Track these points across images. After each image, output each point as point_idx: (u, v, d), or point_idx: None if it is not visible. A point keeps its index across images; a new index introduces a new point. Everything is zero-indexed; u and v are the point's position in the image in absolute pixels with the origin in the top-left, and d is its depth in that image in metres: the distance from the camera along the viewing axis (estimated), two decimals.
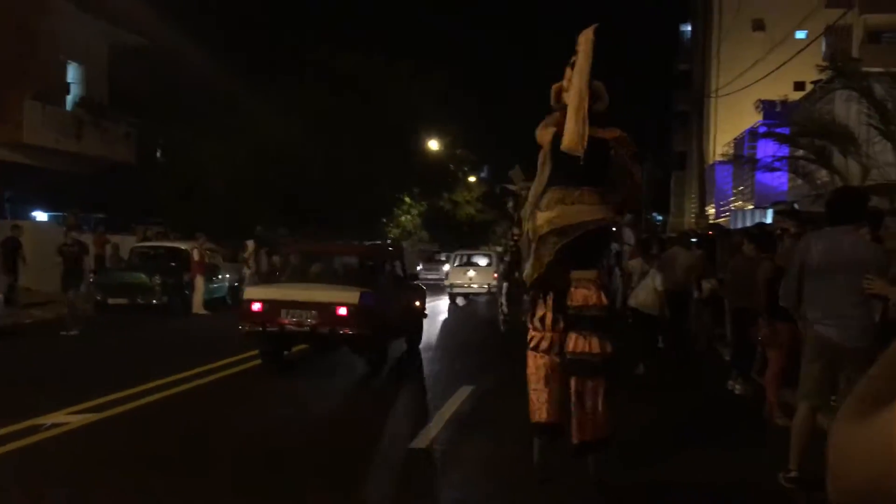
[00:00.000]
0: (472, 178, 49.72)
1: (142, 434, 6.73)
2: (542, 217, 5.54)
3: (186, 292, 17.76)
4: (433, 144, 40.60)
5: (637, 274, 10.78)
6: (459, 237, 45.85)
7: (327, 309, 9.71)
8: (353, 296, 9.77)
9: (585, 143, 5.35)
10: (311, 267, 12.05)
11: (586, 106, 5.42)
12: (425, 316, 13.30)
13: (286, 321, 9.82)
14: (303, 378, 9.97)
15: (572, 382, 5.44)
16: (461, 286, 23.30)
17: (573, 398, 5.44)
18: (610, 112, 5.83)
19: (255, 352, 10.57)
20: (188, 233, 20.88)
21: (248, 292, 10.82)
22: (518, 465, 5.89)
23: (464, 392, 8.76)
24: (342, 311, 9.68)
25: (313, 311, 9.76)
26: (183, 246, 18.83)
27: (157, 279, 17.05)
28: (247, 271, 20.96)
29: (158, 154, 29.50)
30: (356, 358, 10.58)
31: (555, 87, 5.79)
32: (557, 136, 5.56)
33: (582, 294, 5.44)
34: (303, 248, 14.08)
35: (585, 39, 5.53)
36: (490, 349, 13.08)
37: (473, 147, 47.29)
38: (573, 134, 5.38)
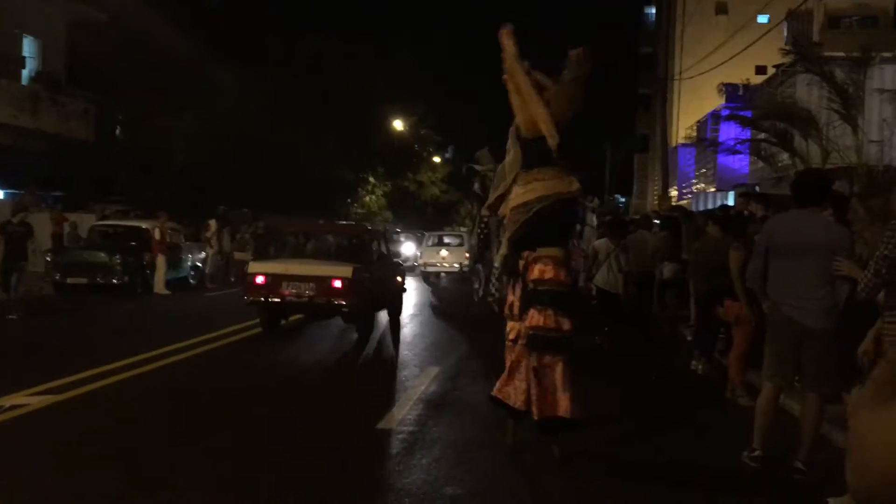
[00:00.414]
0: (436, 159, 49.61)
1: (103, 415, 6.60)
2: (513, 196, 5.61)
3: (147, 272, 17.47)
4: (398, 124, 40.37)
5: (602, 254, 10.96)
6: (424, 218, 45.79)
7: (324, 282, 10.83)
8: (347, 270, 10.94)
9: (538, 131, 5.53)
10: (307, 244, 13.52)
11: (531, 97, 5.57)
12: (405, 290, 14.46)
13: (287, 292, 10.98)
14: (266, 360, 9.86)
15: (530, 358, 5.47)
16: (434, 265, 24.02)
17: (531, 374, 5.47)
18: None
19: (218, 332, 10.69)
20: (149, 211, 20.52)
21: (252, 266, 11.75)
22: (484, 447, 5.90)
23: (430, 373, 8.75)
24: (337, 283, 10.82)
25: (311, 284, 10.91)
26: (144, 224, 18.50)
27: (118, 258, 16.73)
28: (209, 251, 20.68)
29: (118, 131, 28.90)
30: (321, 339, 10.63)
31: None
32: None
33: (539, 269, 5.48)
34: (300, 227, 15.86)
35: (505, 42, 5.65)
36: (456, 330, 13.09)
37: (438, 128, 47.16)
38: (549, 130, 5.49)
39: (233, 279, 20.30)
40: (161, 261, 17.48)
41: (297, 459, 5.51)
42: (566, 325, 5.47)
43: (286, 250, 13.09)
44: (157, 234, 17.61)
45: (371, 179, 39.37)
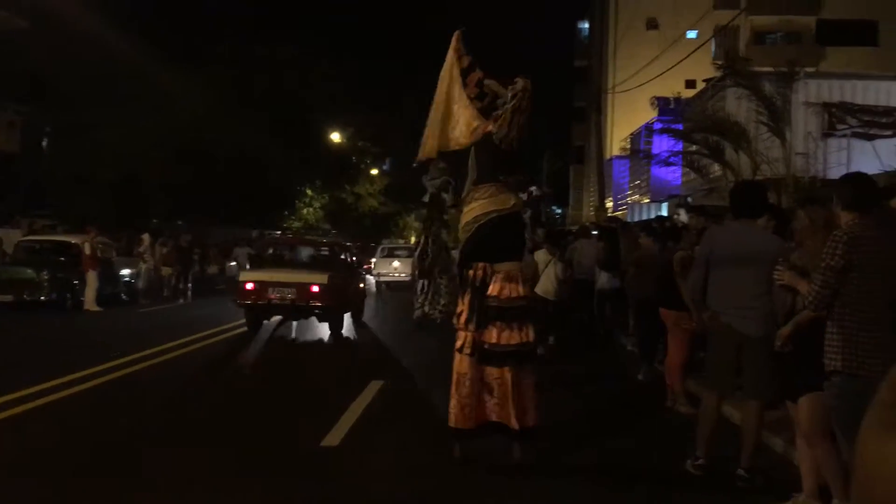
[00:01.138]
0: (374, 171, 49.45)
1: (29, 437, 6.33)
2: (463, 213, 5.73)
3: (77, 288, 16.91)
4: (335, 137, 40.14)
5: (542, 264, 11.17)
6: (362, 230, 45.56)
7: (304, 287, 12.56)
8: (323, 277, 12.76)
9: (431, 152, 5.98)
10: (288, 256, 16.02)
11: (451, 111, 5.88)
12: (366, 295, 16.55)
13: (273, 296, 12.63)
14: (206, 378, 9.62)
15: (499, 372, 5.53)
16: (387, 274, 26.75)
17: (497, 388, 5.53)
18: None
19: (152, 350, 10.54)
20: (78, 225, 19.89)
21: (243, 275, 13.68)
22: (432, 461, 5.85)
23: (374, 387, 8.65)
24: (315, 288, 12.59)
25: (293, 289, 12.60)
26: (73, 240, 17.91)
27: (45, 274, 16.16)
28: (142, 265, 20.14)
29: (45, 143, 28.00)
30: (262, 355, 10.50)
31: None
32: (485, 136, 5.71)
33: (499, 286, 5.58)
34: (282, 240, 19.33)
35: (452, 47, 5.84)
36: (401, 341, 13.02)
37: (376, 139, 47.03)
38: (427, 143, 6.00)
39: (165, 294, 19.81)
40: (92, 276, 16.93)
41: (239, 483, 5.36)
42: (531, 336, 5.64)
43: (270, 261, 15.01)
44: (87, 249, 17.06)
45: (308, 192, 39.03)
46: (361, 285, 15.82)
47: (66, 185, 25.05)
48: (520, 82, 5.66)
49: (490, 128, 5.77)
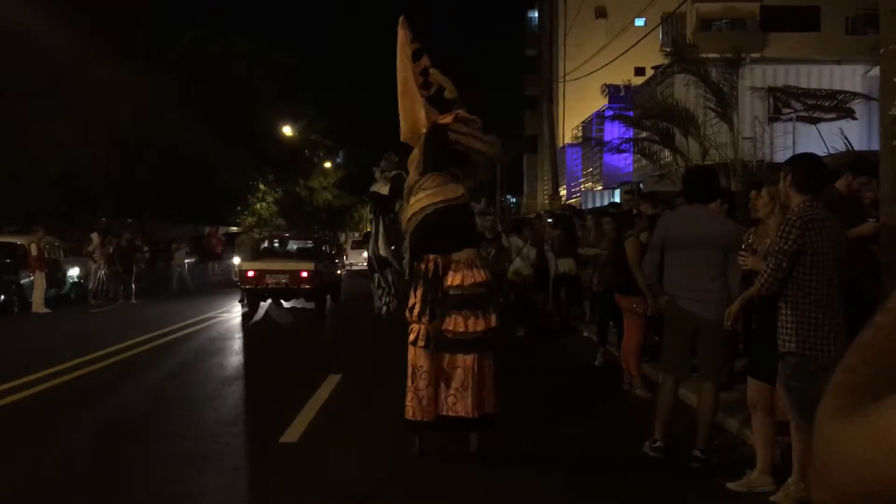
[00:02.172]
0: (327, 164, 49.10)
1: None
2: (410, 204, 5.70)
3: (24, 290, 16.47)
4: (287, 130, 39.71)
5: (515, 251, 11.72)
6: (318, 223, 45.21)
7: (296, 273, 15.14)
8: (311, 265, 15.34)
9: (418, 133, 5.83)
10: (279, 247, 18.80)
11: (416, 94, 5.83)
12: (342, 280, 18.99)
13: (269, 282, 15.25)
14: (162, 375, 9.44)
15: (462, 360, 5.50)
16: (357, 264, 27.09)
17: (457, 376, 5.51)
18: (462, 98, 6.05)
19: (105, 350, 10.36)
20: (23, 225, 19.36)
21: (244, 265, 16.13)
22: (391, 454, 5.84)
23: (332, 381, 8.59)
24: (304, 274, 15.16)
25: (286, 275, 15.18)
26: (18, 240, 17.42)
27: None
28: (93, 265, 19.66)
29: None
30: (217, 351, 10.37)
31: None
32: (437, 128, 5.73)
33: (465, 275, 5.57)
34: (275, 235, 21.85)
35: (399, 33, 5.86)
36: (356, 335, 12.95)
37: (328, 132, 46.72)
38: (403, 125, 5.93)
39: (110, 295, 19.33)
40: (39, 278, 16.51)
41: (199, 481, 5.28)
42: (495, 321, 5.63)
43: (265, 252, 17.83)
44: (33, 250, 16.62)
45: (261, 186, 38.58)
46: (339, 272, 18.53)
47: (8, 182, 24.32)
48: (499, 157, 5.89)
49: (443, 119, 5.76)
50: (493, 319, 5.61)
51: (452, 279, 5.56)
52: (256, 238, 20.78)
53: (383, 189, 6.40)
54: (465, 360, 5.51)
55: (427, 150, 5.75)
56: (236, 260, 22.03)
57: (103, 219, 23.67)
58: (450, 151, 5.75)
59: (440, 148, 5.73)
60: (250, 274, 15.29)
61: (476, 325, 5.52)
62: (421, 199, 5.68)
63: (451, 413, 5.52)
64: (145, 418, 7.16)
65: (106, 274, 19.45)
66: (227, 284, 22.30)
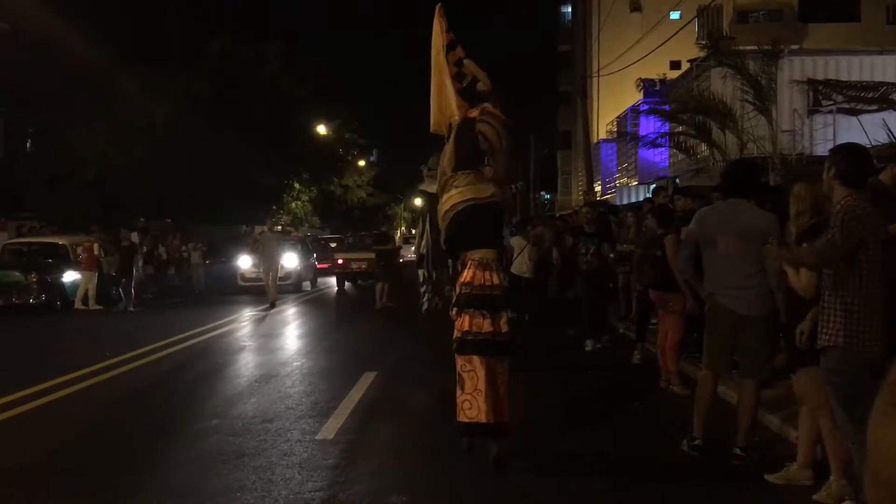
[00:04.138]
0: (361, 162, 49.31)
1: (36, 435, 6.27)
2: (442, 202, 5.65)
3: (65, 289, 16.81)
4: (321, 129, 39.92)
5: (518, 248, 12.34)
6: (351, 222, 45.44)
7: (371, 260, 18.54)
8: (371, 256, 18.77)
9: (449, 123, 5.74)
10: (358, 241, 24.97)
11: (448, 85, 5.73)
12: (403, 267, 19.82)
13: (354, 267, 22.04)
14: (202, 372, 9.55)
15: (470, 362, 5.35)
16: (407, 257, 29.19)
17: (468, 380, 5.34)
18: (496, 91, 5.94)
19: (142, 350, 10.41)
20: (64, 226, 19.73)
21: (336, 255, 23.85)
22: (426, 453, 5.83)
23: (367, 379, 8.62)
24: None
25: (364, 262, 20.88)
26: (60, 241, 17.78)
27: (34, 276, 16.05)
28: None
29: (28, 145, 27.72)
30: (255, 350, 10.53)
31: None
32: (467, 122, 5.66)
33: (469, 273, 5.44)
34: (355, 235, 28.06)
35: (435, 23, 5.79)
36: (392, 332, 12.99)
37: (362, 131, 46.92)
38: (433, 116, 5.88)
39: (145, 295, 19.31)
40: (89, 276, 16.99)
41: (235, 475, 5.32)
42: (504, 326, 5.42)
43: (349, 247, 24.92)
44: (95, 249, 17.12)
45: (296, 185, 38.85)
46: (400, 261, 19.81)
47: (49, 185, 24.82)
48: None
49: (473, 114, 5.69)
50: (502, 324, 5.40)
51: (466, 276, 5.44)
52: (278, 237, 20.52)
53: (431, 187, 6.31)
54: (474, 363, 5.33)
55: (458, 145, 5.67)
56: (244, 262, 21.40)
57: (141, 219, 24.00)
58: (478, 147, 5.64)
59: (469, 143, 5.63)
60: (340, 261, 21.54)
61: (481, 326, 5.33)
62: (453, 196, 5.60)
63: (464, 419, 5.34)
64: (183, 414, 7.23)
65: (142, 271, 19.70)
66: (238, 290, 21.36)
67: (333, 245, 32.61)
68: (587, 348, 10.26)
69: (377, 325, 14.44)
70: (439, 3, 5.90)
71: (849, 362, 3.99)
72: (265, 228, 19.33)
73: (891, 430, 0.75)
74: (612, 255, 10.79)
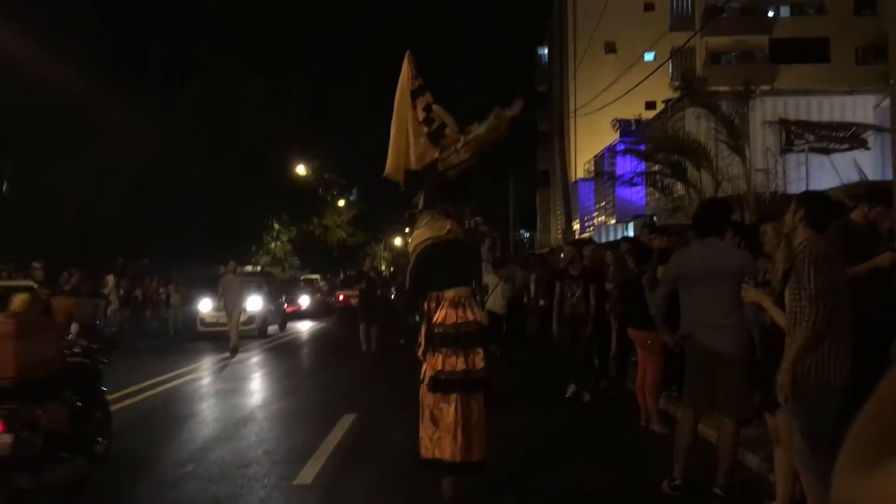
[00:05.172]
0: (341, 202, 49.38)
1: None
2: (410, 245, 5.76)
3: None
4: (300, 169, 40.00)
5: (492, 285, 13.46)
6: (331, 262, 45.33)
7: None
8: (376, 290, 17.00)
9: (393, 172, 5.91)
10: (354, 277, 22.67)
11: (411, 131, 5.79)
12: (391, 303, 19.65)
13: (351, 302, 20.57)
14: (176, 415, 9.40)
15: (445, 401, 5.33)
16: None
17: (441, 418, 5.33)
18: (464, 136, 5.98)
19: (123, 392, 10.19)
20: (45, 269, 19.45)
21: (337, 293, 25.38)
22: (406, 498, 5.76)
23: (346, 421, 8.53)
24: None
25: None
26: (35, 284, 17.56)
27: None
28: (108, 308, 19.75)
29: (5, 187, 27.51)
30: (230, 391, 10.32)
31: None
32: (432, 164, 5.72)
33: (453, 313, 5.44)
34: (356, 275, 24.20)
35: (403, 68, 5.87)
36: (370, 373, 12.89)
37: (341, 170, 47.08)
38: (389, 161, 5.92)
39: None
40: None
41: None
42: (479, 363, 5.41)
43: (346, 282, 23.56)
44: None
45: (276, 225, 38.78)
46: (391, 296, 19.53)
47: (26, 227, 24.59)
48: (512, 110, 5.72)
49: (437, 155, 5.75)
50: (478, 361, 5.38)
51: (438, 317, 5.45)
52: (242, 279, 18.81)
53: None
54: (446, 401, 5.32)
55: (426, 187, 5.77)
56: (204, 306, 20.40)
57: (119, 259, 23.78)
58: (444, 186, 5.69)
59: (434, 185, 5.71)
60: (341, 297, 21.62)
61: (455, 364, 5.33)
62: (415, 237, 5.72)
63: (431, 456, 5.33)
64: (157, 460, 7.11)
65: (111, 314, 19.43)
66: (198, 336, 20.47)
67: (313, 282, 32.53)
68: (567, 394, 9.67)
69: (356, 365, 14.31)
70: (409, 51, 6.01)
71: (817, 394, 4.04)
72: (228, 270, 17.15)
73: (853, 486, 0.76)
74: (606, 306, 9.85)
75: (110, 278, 20.34)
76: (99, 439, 6.33)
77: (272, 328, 22.03)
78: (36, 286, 10.08)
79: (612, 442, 7.62)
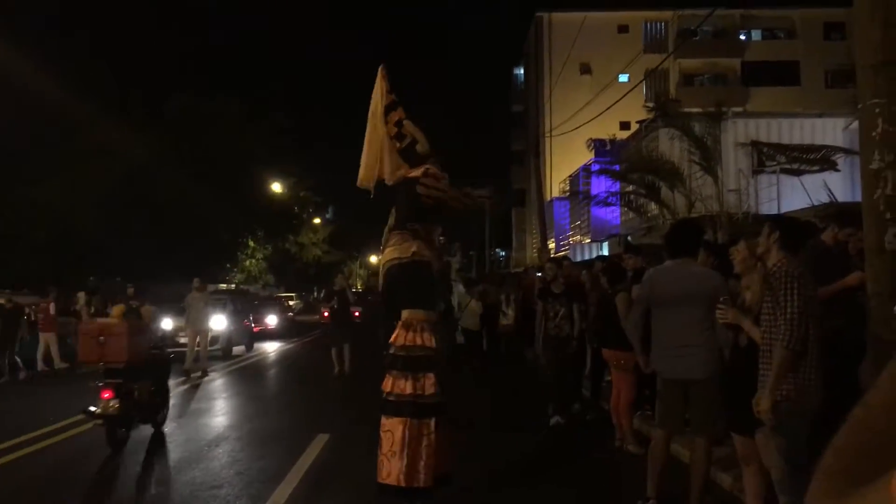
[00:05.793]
0: (317, 220, 49.27)
1: None
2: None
3: (15, 352, 16.37)
4: (276, 187, 39.89)
5: (465, 304, 14.46)
6: (307, 279, 45.13)
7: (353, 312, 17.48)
8: (359, 308, 18.29)
9: (364, 182, 5.89)
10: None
11: (384, 145, 5.81)
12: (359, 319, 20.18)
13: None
14: (135, 439, 9.22)
15: (391, 424, 5.29)
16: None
17: (386, 441, 5.29)
18: (435, 153, 5.97)
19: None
20: (10, 287, 19.23)
21: (322, 310, 20.32)
22: None
23: (320, 441, 8.45)
24: (356, 313, 17.98)
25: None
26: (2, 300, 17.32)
27: None
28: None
29: None
30: (202, 412, 10.22)
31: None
32: (407, 182, 5.71)
33: (404, 335, 5.41)
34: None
35: (377, 83, 5.88)
36: (345, 394, 12.80)
37: (317, 188, 47.02)
38: (361, 170, 5.92)
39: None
40: (51, 338, 16.70)
41: None
42: (429, 388, 5.33)
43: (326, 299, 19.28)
44: (51, 310, 16.69)
45: (251, 243, 38.58)
46: (357, 312, 18.93)
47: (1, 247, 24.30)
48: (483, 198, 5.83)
49: (413, 174, 5.73)
50: (428, 386, 5.30)
51: (394, 337, 5.44)
52: (207, 297, 17.61)
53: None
54: (392, 424, 5.27)
55: (398, 205, 5.74)
56: (167, 326, 18.46)
57: (91, 278, 23.51)
58: (418, 207, 5.64)
59: (409, 203, 5.67)
60: (326, 314, 18.10)
61: (404, 387, 5.27)
62: (384, 256, 5.69)
63: (380, 480, 5.27)
64: (128, 480, 7.00)
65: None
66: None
67: (291, 302, 32.09)
68: (551, 423, 9.10)
69: (328, 386, 14.20)
70: (382, 65, 6.00)
71: (796, 415, 4.08)
72: (193, 288, 16.30)
73: None
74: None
75: (81, 295, 20.08)
76: (163, 411, 9.40)
77: (238, 348, 21.28)
78: (130, 295, 13.30)
79: (586, 462, 7.62)
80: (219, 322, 19.51)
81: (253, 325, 23.58)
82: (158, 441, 9.00)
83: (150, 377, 8.82)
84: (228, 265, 37.03)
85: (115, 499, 6.40)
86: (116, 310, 8.71)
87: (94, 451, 8.42)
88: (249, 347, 22.07)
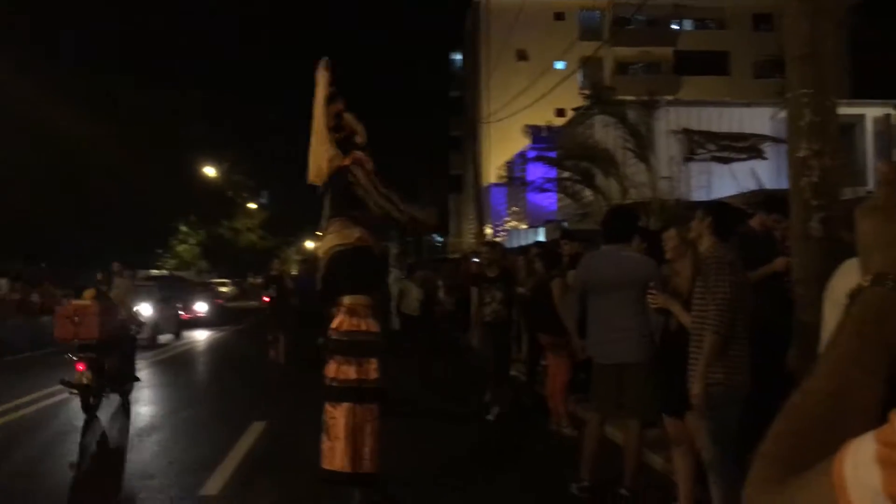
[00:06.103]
0: (252, 205, 48.50)
1: None
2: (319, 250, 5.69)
3: None
4: (209, 171, 39.08)
5: (405, 290, 13.89)
6: (242, 266, 44.44)
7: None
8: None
9: (324, 175, 5.72)
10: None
11: (323, 138, 5.71)
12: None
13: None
14: (58, 429, 8.95)
15: (334, 410, 5.26)
16: None
17: (331, 427, 5.26)
18: (372, 143, 5.97)
19: (25, 399, 9.68)
20: None
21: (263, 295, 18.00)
22: None
23: (256, 429, 8.34)
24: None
25: None
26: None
27: None
28: None
29: None
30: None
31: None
32: (341, 171, 5.65)
33: (347, 320, 5.38)
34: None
35: (319, 75, 5.81)
36: (283, 379, 12.65)
37: (252, 173, 46.26)
38: (311, 167, 5.80)
39: None
40: None
41: None
42: (372, 373, 5.33)
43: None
44: None
45: (183, 228, 37.76)
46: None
47: None
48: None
49: (346, 162, 5.69)
50: (371, 371, 5.31)
51: (335, 322, 5.41)
52: (129, 283, 14.89)
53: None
54: (336, 410, 5.24)
55: (333, 193, 5.68)
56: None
57: (16, 267, 22.66)
58: (351, 195, 5.63)
59: (342, 190, 5.64)
60: (266, 299, 17.36)
61: (348, 372, 5.26)
62: (324, 243, 5.65)
63: (326, 466, 5.24)
64: (53, 470, 6.79)
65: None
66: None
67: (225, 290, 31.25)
68: (490, 418, 8.77)
69: (264, 373, 14.01)
70: (325, 58, 5.92)
71: (726, 399, 4.19)
72: (112, 273, 13.98)
73: (765, 502, 0.77)
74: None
75: (4, 282, 19.36)
76: (130, 382, 10.40)
77: (166, 337, 20.60)
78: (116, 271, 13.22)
79: (521, 446, 7.70)
80: (145, 309, 18.29)
81: (182, 312, 22.93)
82: (89, 431, 8.76)
83: (118, 352, 9.83)
84: (160, 250, 36.18)
85: (38, 489, 6.20)
86: (88, 293, 9.50)
87: (13, 443, 8.16)
88: (178, 335, 21.48)
